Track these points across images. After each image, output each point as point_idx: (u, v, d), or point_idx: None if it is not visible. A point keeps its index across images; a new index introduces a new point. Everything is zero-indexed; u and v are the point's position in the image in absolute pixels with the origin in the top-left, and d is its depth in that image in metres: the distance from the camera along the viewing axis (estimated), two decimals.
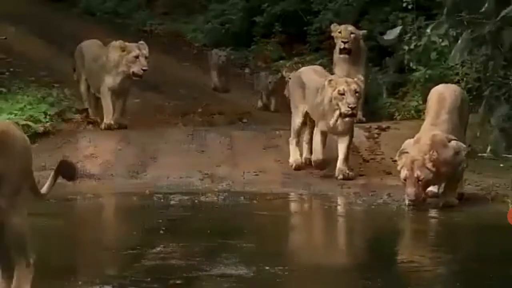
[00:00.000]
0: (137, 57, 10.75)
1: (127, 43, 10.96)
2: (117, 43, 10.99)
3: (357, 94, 8.82)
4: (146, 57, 10.81)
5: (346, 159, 9.01)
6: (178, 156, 10.05)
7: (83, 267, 5.92)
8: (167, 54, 15.29)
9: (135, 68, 10.70)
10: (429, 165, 7.77)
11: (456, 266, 6.27)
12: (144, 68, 10.70)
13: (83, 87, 11.60)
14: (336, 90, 8.77)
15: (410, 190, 7.78)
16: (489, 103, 4.69)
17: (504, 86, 4.82)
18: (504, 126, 4.45)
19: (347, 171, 8.99)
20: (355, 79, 9.00)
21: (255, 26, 15.57)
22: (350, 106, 8.71)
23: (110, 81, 10.94)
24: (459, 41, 4.60)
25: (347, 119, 8.82)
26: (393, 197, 8.51)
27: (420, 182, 7.78)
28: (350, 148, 9.10)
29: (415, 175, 7.76)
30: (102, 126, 10.94)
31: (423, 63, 11.58)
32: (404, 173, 7.82)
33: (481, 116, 6.38)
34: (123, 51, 10.81)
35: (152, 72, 12.52)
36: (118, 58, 10.86)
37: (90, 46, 11.64)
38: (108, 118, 10.94)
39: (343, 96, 8.74)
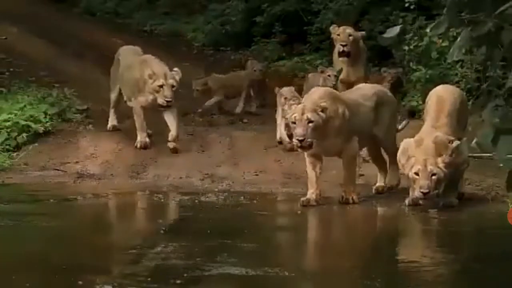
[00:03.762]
0: (161, 86, 10.11)
1: (155, 69, 10.21)
2: (148, 69, 10.22)
3: None
4: (173, 86, 10.13)
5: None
6: (178, 156, 10.06)
7: (83, 267, 5.91)
8: (167, 54, 15.30)
9: (159, 99, 10.09)
10: (442, 165, 7.81)
11: (456, 266, 6.27)
12: (167, 99, 10.04)
13: (114, 95, 11.03)
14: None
15: (424, 183, 7.78)
16: (484, 98, 4.70)
17: (502, 86, 4.82)
18: (495, 120, 4.45)
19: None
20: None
21: (255, 26, 15.58)
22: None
23: (142, 100, 10.32)
24: (458, 39, 4.61)
25: None
26: (393, 197, 8.51)
27: (433, 177, 7.80)
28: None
29: (429, 170, 7.79)
30: (138, 144, 10.32)
31: (423, 63, 11.59)
32: (417, 167, 7.83)
33: (472, 109, 6.38)
34: (150, 78, 10.14)
35: None
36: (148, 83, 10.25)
37: (127, 53, 10.98)
38: (143, 136, 10.36)
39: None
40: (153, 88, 10.11)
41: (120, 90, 10.89)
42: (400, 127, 9.09)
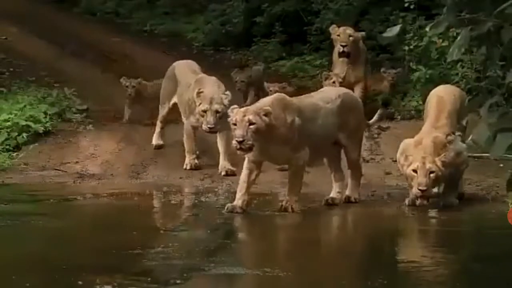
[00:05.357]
0: (205, 111, 9.38)
1: (205, 91, 9.45)
2: (197, 89, 9.53)
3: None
4: (217, 112, 9.33)
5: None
6: (178, 156, 10.05)
7: (83, 267, 5.91)
8: (167, 54, 15.31)
9: (203, 125, 9.43)
10: (439, 163, 7.81)
11: (456, 266, 6.26)
12: (209, 125, 9.28)
13: (166, 111, 10.42)
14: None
15: (422, 180, 7.77)
16: (483, 96, 4.70)
17: (502, 85, 4.82)
18: (493, 119, 4.46)
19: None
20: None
21: (255, 26, 15.59)
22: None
23: (193, 120, 9.74)
24: (458, 38, 4.62)
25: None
26: (393, 197, 8.52)
27: (431, 175, 7.80)
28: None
29: (427, 168, 7.78)
30: (187, 166, 9.80)
31: (423, 63, 11.59)
32: (415, 165, 7.82)
33: (468, 108, 6.36)
34: (198, 96, 9.45)
35: (152, 72, 12.54)
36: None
37: (185, 71, 10.31)
38: (191, 157, 9.83)
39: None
40: (198, 111, 9.48)
41: (171, 107, 10.32)
42: (372, 120, 8.91)
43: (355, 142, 8.39)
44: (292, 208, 7.86)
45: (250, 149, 7.65)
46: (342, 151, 8.42)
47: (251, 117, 7.62)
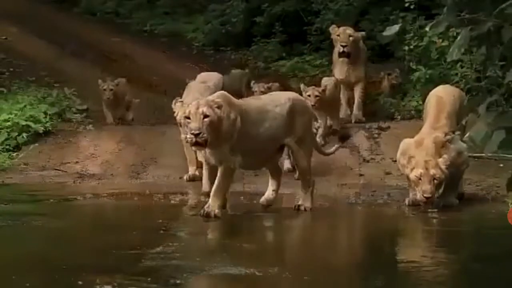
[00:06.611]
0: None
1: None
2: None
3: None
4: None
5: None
6: (178, 156, 10.05)
7: (83, 267, 5.91)
8: (167, 54, 15.31)
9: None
10: (443, 167, 7.82)
11: (456, 266, 6.26)
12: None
13: None
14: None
15: (426, 187, 7.78)
16: (483, 95, 4.70)
17: (502, 85, 4.82)
18: (490, 117, 4.46)
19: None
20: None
21: (255, 26, 15.61)
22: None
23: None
24: (458, 38, 4.62)
25: None
26: (393, 197, 8.52)
27: (435, 181, 7.80)
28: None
29: (431, 174, 7.79)
30: (185, 177, 9.57)
31: (423, 63, 11.60)
32: (418, 171, 7.82)
33: (468, 107, 6.37)
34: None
35: (152, 72, 12.55)
36: None
37: (196, 81, 9.97)
38: (193, 169, 9.55)
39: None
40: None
41: None
42: (330, 150, 8.63)
43: (303, 148, 7.98)
44: (214, 214, 7.51)
45: (206, 142, 7.38)
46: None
47: (205, 109, 7.36)
